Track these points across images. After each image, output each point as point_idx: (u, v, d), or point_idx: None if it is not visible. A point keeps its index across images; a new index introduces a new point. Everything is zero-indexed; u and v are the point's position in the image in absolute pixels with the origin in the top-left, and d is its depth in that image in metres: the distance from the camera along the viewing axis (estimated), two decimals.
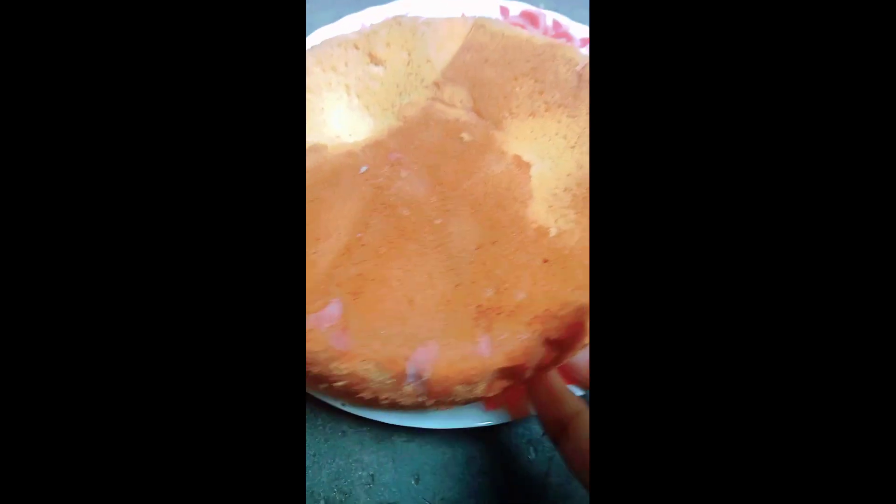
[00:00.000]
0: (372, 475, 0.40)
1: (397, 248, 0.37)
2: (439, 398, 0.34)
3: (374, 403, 0.35)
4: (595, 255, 0.19)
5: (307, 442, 0.41)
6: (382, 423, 0.38)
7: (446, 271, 0.36)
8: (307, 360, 0.34)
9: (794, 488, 0.16)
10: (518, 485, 0.39)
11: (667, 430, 0.17)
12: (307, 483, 0.39)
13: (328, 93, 0.49)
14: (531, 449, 0.40)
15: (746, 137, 0.17)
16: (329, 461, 0.40)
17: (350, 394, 0.35)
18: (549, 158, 0.42)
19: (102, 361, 0.17)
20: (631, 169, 0.18)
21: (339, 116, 0.49)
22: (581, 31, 0.54)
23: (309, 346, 0.34)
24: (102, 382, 0.17)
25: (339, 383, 0.34)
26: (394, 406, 0.36)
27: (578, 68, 0.45)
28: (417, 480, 0.40)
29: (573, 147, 0.42)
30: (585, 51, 0.52)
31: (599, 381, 0.18)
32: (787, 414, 0.16)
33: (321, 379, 0.35)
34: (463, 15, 0.51)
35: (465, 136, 0.42)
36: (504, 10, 0.57)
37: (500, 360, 0.33)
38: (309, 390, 0.38)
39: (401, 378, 0.33)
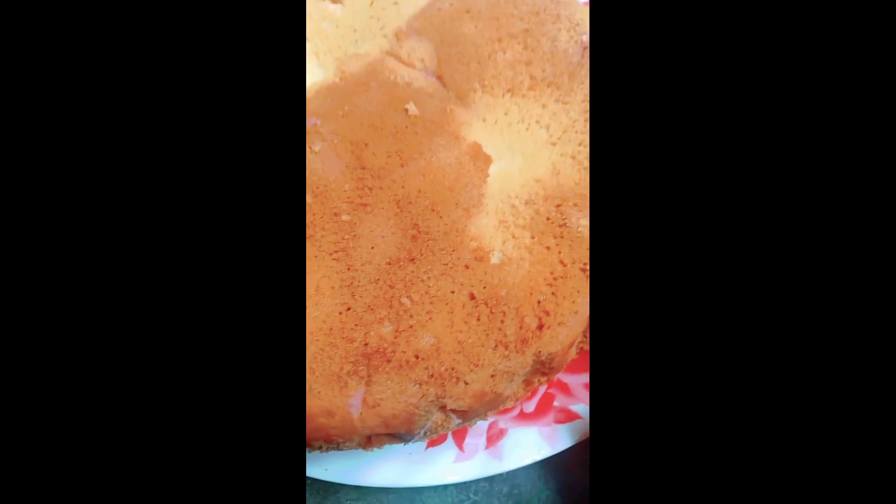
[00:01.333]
0: None
1: None
2: None
3: None
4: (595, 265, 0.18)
5: None
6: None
7: (339, 287, 0.27)
8: None
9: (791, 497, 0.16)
10: None
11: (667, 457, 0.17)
12: None
13: None
14: None
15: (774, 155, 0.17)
16: None
17: None
18: (521, 154, 0.32)
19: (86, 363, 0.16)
20: (638, 176, 0.17)
21: None
22: None
23: None
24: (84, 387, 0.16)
25: None
26: None
27: (585, 38, 0.34)
28: None
29: (555, 144, 0.31)
30: None
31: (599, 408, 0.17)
32: (788, 423, 0.16)
33: None
34: None
35: (411, 107, 0.31)
36: None
37: (373, 423, 0.24)
38: None
39: None
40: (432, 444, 0.31)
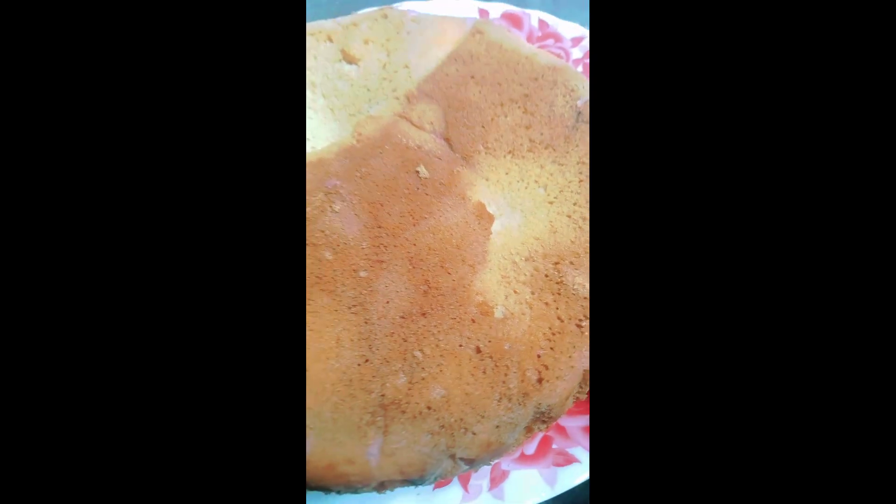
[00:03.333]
0: None
1: (309, 300, 0.30)
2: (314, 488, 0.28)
3: None
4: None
5: None
6: None
7: (358, 340, 0.30)
8: None
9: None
10: None
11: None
12: None
13: None
14: None
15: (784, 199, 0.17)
16: None
17: None
18: (521, 212, 0.35)
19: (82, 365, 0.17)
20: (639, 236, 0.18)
21: None
22: (572, 30, 0.47)
23: None
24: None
25: None
26: None
27: (580, 103, 0.37)
28: None
29: (552, 203, 0.34)
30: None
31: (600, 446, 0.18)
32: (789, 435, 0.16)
33: None
34: (462, 18, 0.43)
35: (422, 170, 0.34)
36: (483, 13, 0.48)
37: (389, 471, 0.26)
38: None
39: None
40: (439, 485, 0.33)
